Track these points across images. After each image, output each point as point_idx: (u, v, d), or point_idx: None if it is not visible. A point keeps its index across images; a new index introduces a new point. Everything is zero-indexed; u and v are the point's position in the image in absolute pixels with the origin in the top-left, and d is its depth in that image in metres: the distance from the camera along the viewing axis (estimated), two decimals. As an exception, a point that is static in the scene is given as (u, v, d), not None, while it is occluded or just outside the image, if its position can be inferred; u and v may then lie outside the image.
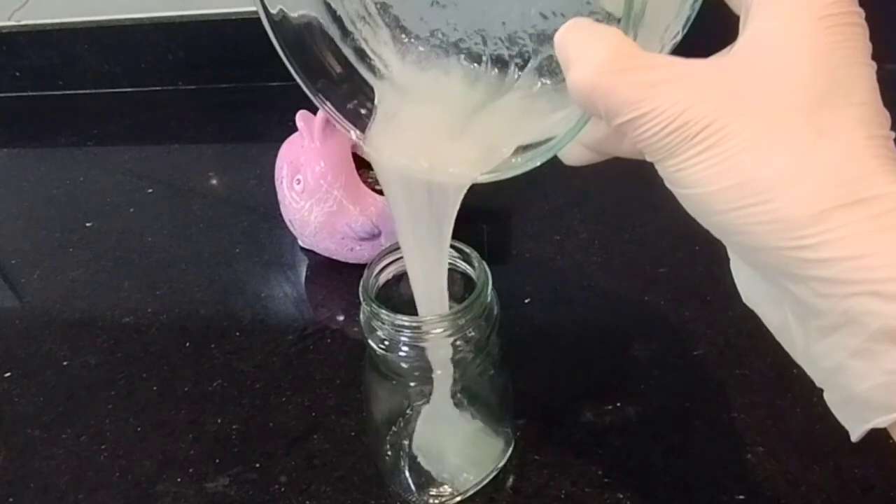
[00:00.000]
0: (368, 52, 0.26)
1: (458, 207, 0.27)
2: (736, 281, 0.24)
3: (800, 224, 0.18)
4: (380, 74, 0.27)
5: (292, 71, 0.26)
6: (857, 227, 0.18)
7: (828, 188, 0.18)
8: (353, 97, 0.27)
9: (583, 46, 0.19)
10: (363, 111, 0.27)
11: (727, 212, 0.19)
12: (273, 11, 0.25)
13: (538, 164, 0.24)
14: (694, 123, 0.19)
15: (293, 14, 0.26)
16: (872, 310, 0.18)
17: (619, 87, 0.19)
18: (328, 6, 0.26)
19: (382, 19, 0.26)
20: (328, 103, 0.26)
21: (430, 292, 0.31)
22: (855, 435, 0.21)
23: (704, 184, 0.19)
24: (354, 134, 0.26)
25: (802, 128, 0.18)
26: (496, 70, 0.25)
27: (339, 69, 0.27)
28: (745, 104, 0.18)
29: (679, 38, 0.23)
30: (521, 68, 0.25)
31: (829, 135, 0.18)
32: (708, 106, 0.18)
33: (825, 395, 0.22)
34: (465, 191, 0.27)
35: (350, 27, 0.26)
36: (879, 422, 0.20)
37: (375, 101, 0.27)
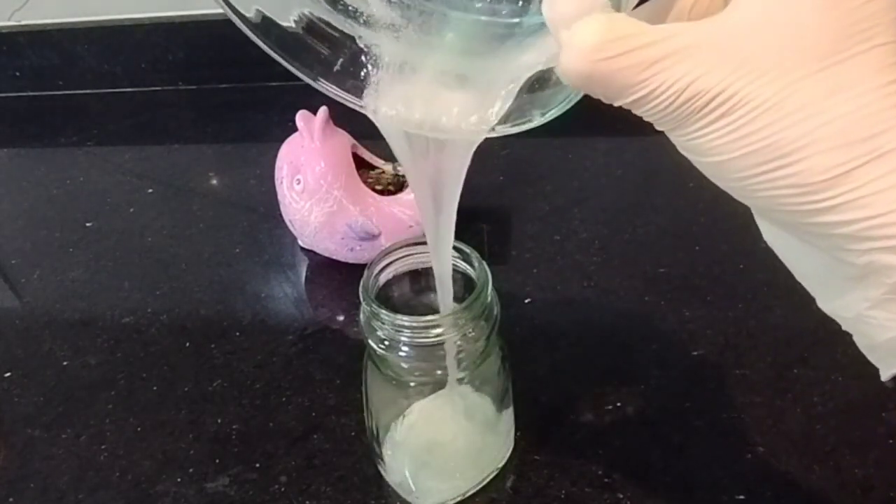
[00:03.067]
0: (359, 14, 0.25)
1: (469, 159, 0.27)
2: (759, 226, 0.23)
3: (818, 188, 0.18)
4: (373, 34, 0.25)
5: (286, 64, 0.25)
6: (877, 184, 0.17)
7: (844, 149, 0.17)
8: (352, 72, 0.26)
9: (571, 31, 0.18)
10: (365, 82, 0.26)
11: (745, 178, 0.19)
12: (249, 15, 0.25)
13: (552, 116, 0.23)
14: (704, 94, 0.18)
15: (283, 21, 0.25)
16: (892, 264, 0.18)
17: (617, 73, 0.18)
18: None
19: None
20: (332, 86, 0.25)
21: (443, 254, 0.30)
22: (884, 375, 0.21)
23: (719, 153, 0.19)
24: (363, 105, 0.25)
25: (816, 87, 0.17)
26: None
27: (333, 45, 0.26)
28: (755, 68, 0.18)
29: None
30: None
31: (844, 90, 0.17)
32: (717, 74, 0.18)
33: (854, 338, 0.21)
34: (476, 145, 0.26)
35: None
36: None
37: (372, 68, 0.25)
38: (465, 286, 0.33)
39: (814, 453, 0.37)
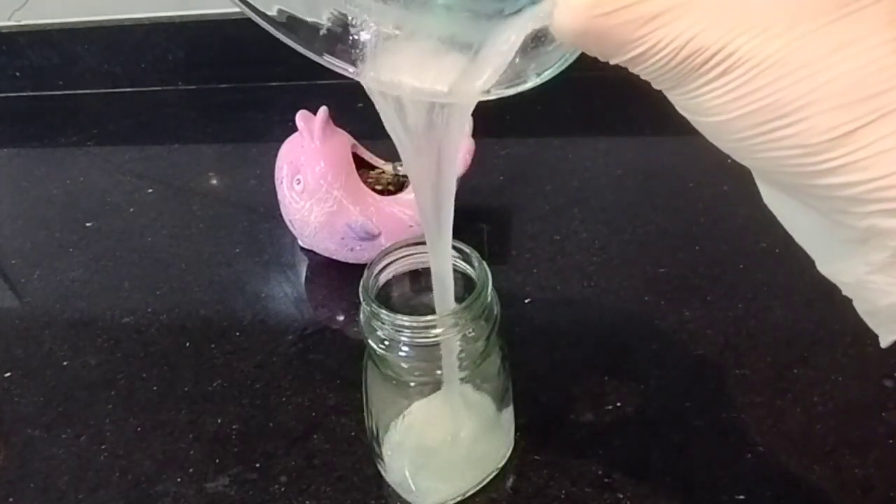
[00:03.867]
0: None
1: (465, 125, 0.26)
2: (759, 187, 0.23)
3: (819, 149, 0.17)
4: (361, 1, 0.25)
5: (292, 44, 0.25)
6: (881, 145, 0.17)
7: (850, 107, 0.17)
8: (341, 40, 0.25)
9: None
10: (355, 50, 0.25)
11: (745, 139, 0.18)
12: (272, 13, 0.24)
13: (548, 77, 0.22)
14: (704, 50, 0.17)
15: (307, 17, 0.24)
16: (895, 228, 0.17)
17: (613, 29, 0.17)
18: None
19: None
20: (336, 61, 0.25)
21: (443, 249, 0.29)
22: (884, 342, 0.20)
23: (719, 112, 0.18)
24: (355, 73, 0.25)
25: (820, 42, 0.17)
26: None
27: (332, 21, 0.25)
28: (756, 24, 0.17)
29: None
30: None
31: (850, 45, 0.16)
32: (715, 31, 0.17)
33: (854, 303, 0.21)
34: (472, 108, 0.26)
35: None
36: None
37: (363, 35, 0.25)
38: (465, 286, 0.33)
39: (814, 453, 0.37)
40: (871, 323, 0.20)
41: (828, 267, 0.21)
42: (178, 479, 0.39)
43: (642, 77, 0.19)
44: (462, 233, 0.30)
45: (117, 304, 0.52)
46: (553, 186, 0.59)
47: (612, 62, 0.19)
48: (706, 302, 0.46)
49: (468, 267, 0.33)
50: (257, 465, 0.39)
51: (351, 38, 0.24)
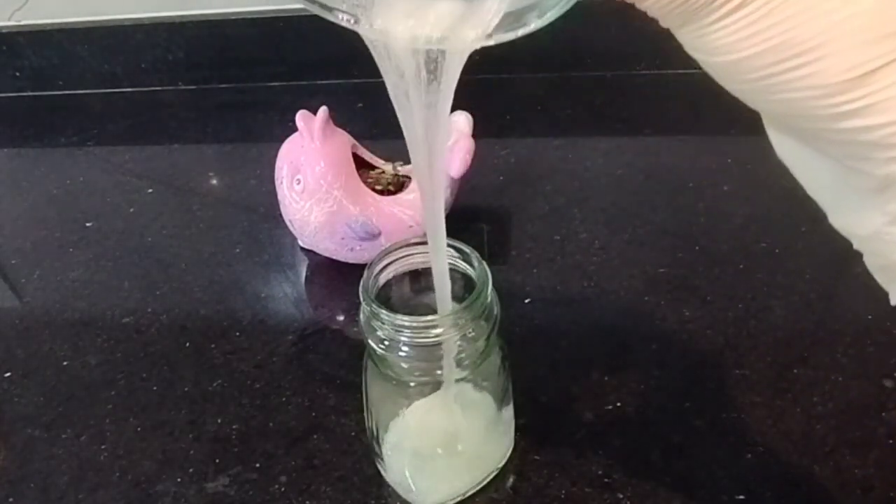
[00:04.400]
0: None
1: (460, 72, 0.25)
2: (769, 136, 0.21)
3: (837, 90, 0.16)
4: None
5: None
6: None
7: (867, 47, 0.16)
8: None
9: None
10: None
11: (758, 79, 0.17)
12: None
13: (551, 19, 0.21)
14: None
15: None
16: None
17: None
18: None
19: None
20: (332, 14, 0.24)
21: (435, 182, 0.28)
22: (894, 299, 0.19)
23: (731, 50, 0.17)
24: (349, 19, 0.24)
25: None
26: None
27: None
28: None
29: None
30: None
31: None
32: None
33: (864, 259, 0.20)
34: (468, 54, 0.25)
35: None
36: None
37: None
38: (465, 286, 0.33)
39: (814, 453, 0.37)
40: (883, 279, 0.20)
41: (841, 219, 0.20)
42: (178, 479, 0.39)
43: (650, 14, 0.18)
44: (462, 233, 0.30)
45: (117, 304, 0.52)
46: (553, 186, 0.59)
47: None
48: (706, 302, 0.46)
49: (468, 267, 0.33)
50: (257, 465, 0.39)
51: None
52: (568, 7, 0.20)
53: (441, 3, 0.22)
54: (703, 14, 0.17)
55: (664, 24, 0.18)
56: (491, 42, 0.22)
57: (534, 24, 0.21)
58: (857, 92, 0.16)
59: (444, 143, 0.26)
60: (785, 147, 0.21)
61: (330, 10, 0.23)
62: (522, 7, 0.22)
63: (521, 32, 0.21)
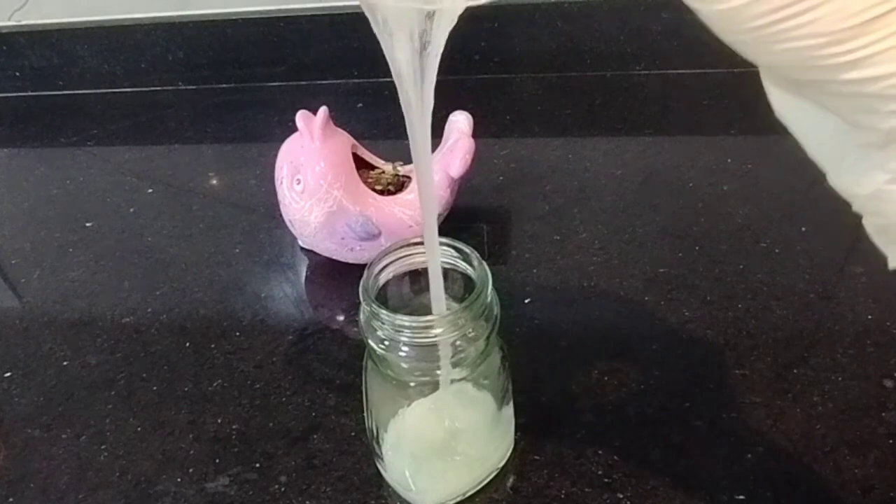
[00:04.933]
0: None
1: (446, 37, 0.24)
2: (767, 93, 0.21)
3: (840, 38, 0.16)
4: None
5: None
6: None
7: None
8: None
9: None
10: None
11: (758, 28, 0.16)
12: None
13: None
14: None
15: None
16: None
17: None
18: None
19: None
20: None
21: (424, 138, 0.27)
22: (892, 263, 0.19)
23: None
24: None
25: None
26: None
27: None
28: None
29: None
30: None
31: None
32: None
33: (863, 221, 0.20)
34: (458, 14, 0.25)
35: None
36: None
37: None
38: (465, 286, 0.33)
39: (814, 453, 0.37)
40: (882, 241, 0.19)
41: (842, 178, 0.19)
42: (178, 479, 0.39)
43: None
44: (462, 233, 0.30)
45: (117, 304, 0.52)
46: (553, 186, 0.59)
47: None
48: (706, 302, 0.46)
49: (468, 267, 0.33)
50: (257, 465, 0.39)
51: None
52: None
53: None
54: None
55: None
56: (479, 2, 0.22)
57: None
58: (863, 39, 0.15)
59: (430, 103, 0.26)
60: (785, 104, 0.20)
61: None
62: None
63: None
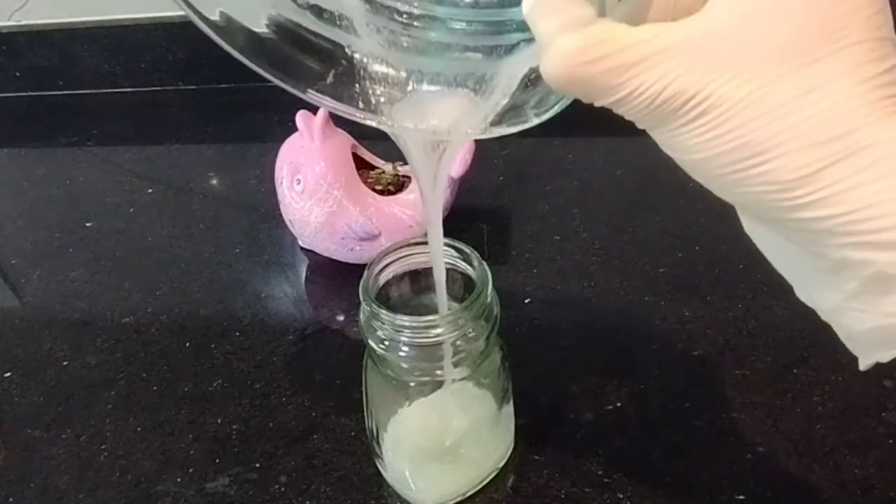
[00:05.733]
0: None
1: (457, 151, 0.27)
2: (741, 219, 0.23)
3: (793, 185, 0.18)
4: (361, 43, 0.25)
5: (273, 79, 0.26)
6: (849, 181, 0.17)
7: (818, 147, 0.17)
8: (346, 83, 0.26)
9: (552, 33, 0.19)
10: (358, 91, 0.26)
11: (723, 175, 0.19)
12: (213, 18, 0.24)
13: (549, 116, 0.23)
14: (681, 94, 0.18)
15: (257, 27, 0.25)
16: (865, 258, 0.18)
17: (596, 76, 0.19)
18: None
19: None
20: (324, 97, 0.26)
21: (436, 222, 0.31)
22: (862, 365, 0.21)
23: (698, 150, 0.19)
24: (368, 117, 0.26)
25: (789, 87, 0.18)
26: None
27: (325, 57, 0.26)
28: (731, 69, 0.18)
29: None
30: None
31: (818, 89, 0.17)
32: (693, 76, 0.18)
33: (834, 328, 0.22)
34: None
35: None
36: (884, 356, 0.20)
37: (364, 77, 0.26)
38: (465, 286, 0.33)
39: (814, 453, 0.37)
40: (851, 347, 0.21)
41: (806, 294, 0.22)
42: (178, 479, 0.39)
43: (626, 118, 0.20)
44: (462, 233, 0.30)
45: (117, 304, 0.52)
46: (553, 186, 0.59)
47: (596, 104, 0.20)
48: (706, 302, 0.46)
49: (468, 267, 0.33)
50: (257, 465, 0.39)
51: (358, 85, 0.26)
52: (565, 106, 0.22)
53: (446, 100, 0.25)
54: (672, 119, 0.19)
55: (639, 125, 0.20)
56: (492, 135, 0.24)
57: (532, 122, 0.23)
58: (809, 187, 0.18)
59: (443, 193, 0.30)
60: (754, 230, 0.23)
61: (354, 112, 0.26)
62: (521, 102, 0.23)
63: (521, 128, 0.24)
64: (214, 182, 0.67)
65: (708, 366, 0.42)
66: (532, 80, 0.21)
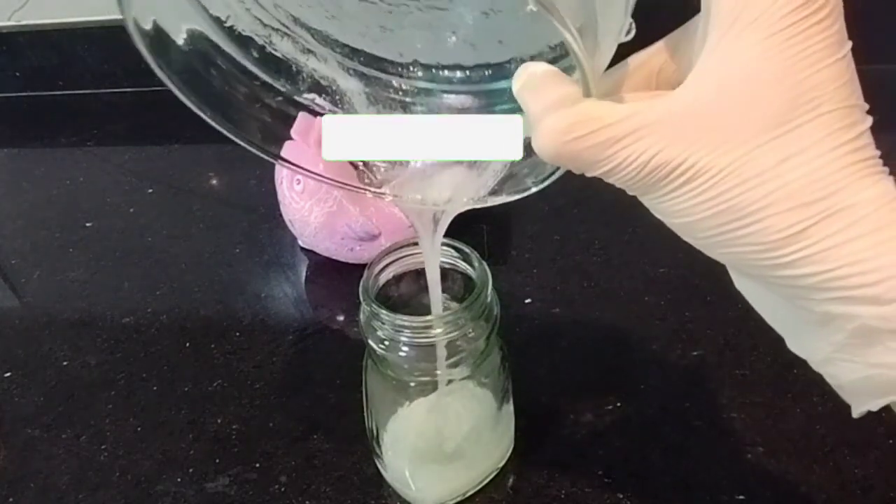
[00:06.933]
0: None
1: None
2: (731, 274, 0.25)
3: (777, 245, 0.19)
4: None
5: (246, 143, 0.28)
6: (832, 240, 0.19)
7: (800, 209, 0.19)
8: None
9: (539, 113, 0.20)
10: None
11: (711, 237, 0.21)
12: (146, 27, 0.23)
13: (548, 184, 0.24)
14: (665, 165, 0.19)
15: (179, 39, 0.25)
16: (850, 312, 0.19)
17: (584, 151, 0.20)
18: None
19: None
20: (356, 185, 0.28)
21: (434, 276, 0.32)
22: (855, 413, 0.22)
23: (684, 215, 0.21)
24: (374, 193, 0.28)
25: (769, 155, 0.19)
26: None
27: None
28: (712, 140, 0.19)
29: (633, 33, 0.23)
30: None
31: (796, 156, 0.19)
32: (676, 147, 0.19)
33: (825, 377, 0.23)
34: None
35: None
36: (874, 405, 0.21)
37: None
38: (465, 286, 0.33)
39: (814, 453, 0.37)
40: (842, 395, 0.23)
41: (797, 345, 0.23)
42: (178, 479, 0.39)
43: (616, 186, 0.21)
44: (462, 233, 0.30)
45: (117, 304, 0.52)
46: (553, 186, 0.59)
47: (587, 175, 0.21)
48: (706, 302, 0.46)
49: (468, 267, 0.33)
50: (257, 465, 0.39)
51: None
52: (562, 173, 0.23)
53: (445, 172, 0.27)
54: (658, 187, 0.20)
55: (629, 192, 0.22)
56: (486, 204, 0.26)
57: (533, 189, 0.25)
58: (792, 247, 0.19)
59: (440, 241, 0.31)
60: (743, 285, 0.24)
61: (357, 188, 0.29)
62: (518, 171, 0.24)
63: (522, 195, 0.26)
64: (214, 182, 0.67)
65: (708, 366, 0.42)
66: (530, 150, 0.22)
